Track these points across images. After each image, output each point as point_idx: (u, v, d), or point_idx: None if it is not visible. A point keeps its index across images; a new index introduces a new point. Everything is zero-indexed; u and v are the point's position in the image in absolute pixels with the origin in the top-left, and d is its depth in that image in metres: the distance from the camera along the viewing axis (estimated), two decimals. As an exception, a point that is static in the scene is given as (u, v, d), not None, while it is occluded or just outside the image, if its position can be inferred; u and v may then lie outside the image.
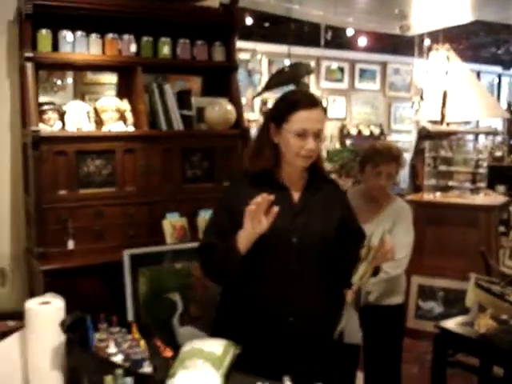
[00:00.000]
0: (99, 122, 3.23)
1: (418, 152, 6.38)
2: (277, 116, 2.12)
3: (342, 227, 2.18)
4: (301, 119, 2.06)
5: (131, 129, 3.23)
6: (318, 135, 2.08)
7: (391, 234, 2.90)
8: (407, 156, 7.93)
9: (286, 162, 2.14)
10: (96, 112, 3.23)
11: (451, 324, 2.93)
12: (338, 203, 2.25)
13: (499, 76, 12.05)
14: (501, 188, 8.13)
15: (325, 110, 2.16)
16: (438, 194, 5.37)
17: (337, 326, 2.02)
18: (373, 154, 2.99)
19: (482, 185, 5.52)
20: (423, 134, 6.46)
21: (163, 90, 3.33)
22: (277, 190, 2.08)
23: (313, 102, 2.09)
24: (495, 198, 5.79)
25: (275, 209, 1.92)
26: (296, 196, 2.16)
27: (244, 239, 2.00)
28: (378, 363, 3.13)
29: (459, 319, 2.97)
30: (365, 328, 2.91)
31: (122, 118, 3.25)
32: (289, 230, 2.07)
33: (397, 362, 3.17)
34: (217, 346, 1.95)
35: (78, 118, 3.15)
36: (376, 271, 2.13)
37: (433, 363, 2.95)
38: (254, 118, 7.66)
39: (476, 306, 2.95)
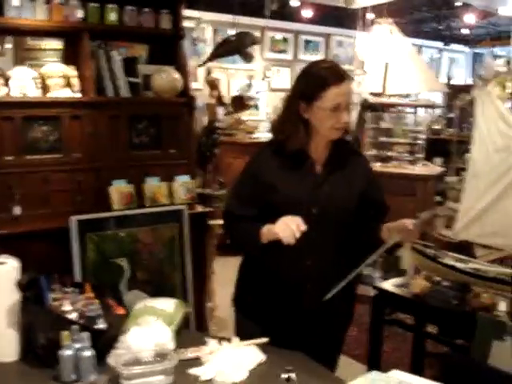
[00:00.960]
0: (45, 89, 3.20)
1: (360, 123, 6.54)
2: (306, 94, 2.11)
3: (364, 199, 2.21)
4: (333, 95, 2.05)
5: (78, 95, 3.22)
6: (350, 107, 2.11)
7: None
8: (349, 127, 8.05)
9: (317, 135, 2.15)
10: (42, 78, 3.20)
11: (388, 285, 3.09)
12: (362, 175, 2.26)
13: (440, 51, 12.33)
14: (438, 160, 8.41)
15: (352, 80, 2.18)
16: (379, 164, 5.56)
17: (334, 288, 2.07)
18: None
19: (420, 156, 5.73)
20: (366, 106, 6.62)
21: (110, 57, 3.33)
22: (301, 160, 2.15)
23: (342, 76, 2.08)
24: (432, 168, 6.03)
25: (303, 227, 1.95)
26: (319, 167, 2.18)
27: (267, 236, 2.06)
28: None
29: (395, 281, 3.14)
30: None
31: (68, 84, 3.22)
32: (310, 201, 2.10)
33: None
34: (168, 304, 2.03)
35: (23, 84, 3.12)
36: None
37: (371, 321, 3.12)
38: (197, 87, 7.64)
39: (412, 269, 3.11)
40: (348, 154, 2.25)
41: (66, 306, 1.85)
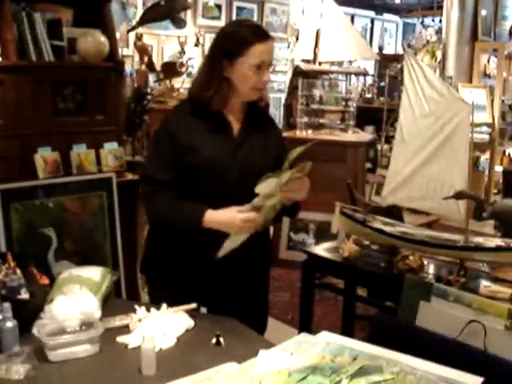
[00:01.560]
0: (-37, 53, 3.05)
1: (293, 90, 6.54)
2: (230, 51, 2.07)
3: (276, 164, 2.14)
4: (258, 52, 2.05)
5: (-2, 59, 3.08)
6: (270, 67, 2.12)
7: None
8: (283, 96, 8.08)
9: (236, 96, 2.14)
10: (-41, 41, 3.04)
11: (318, 250, 3.12)
12: (275, 140, 2.27)
13: (372, 20, 12.47)
14: (370, 128, 8.57)
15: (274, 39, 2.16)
16: (310, 131, 5.58)
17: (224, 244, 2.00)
18: None
19: (351, 123, 5.79)
20: (298, 72, 6.64)
21: (32, 19, 3.18)
22: (219, 122, 2.13)
23: (266, 34, 2.10)
24: (363, 135, 6.11)
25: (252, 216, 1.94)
26: (236, 129, 2.17)
27: (214, 224, 2.01)
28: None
29: (326, 245, 3.17)
30: None
31: (-12, 48, 3.08)
32: (228, 165, 2.09)
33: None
34: (94, 272, 1.99)
35: None
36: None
37: (301, 285, 3.15)
38: (128, 53, 7.46)
39: (343, 233, 3.15)
40: (261, 119, 2.26)
41: (-14, 277, 1.79)
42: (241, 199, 2.03)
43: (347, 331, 3.26)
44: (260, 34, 2.08)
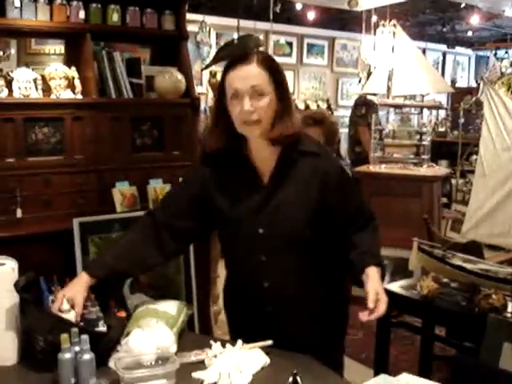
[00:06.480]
0: (47, 90, 3.17)
1: (358, 119, 6.50)
2: (219, 85, 1.88)
3: (328, 211, 1.89)
4: (230, 81, 1.79)
5: (79, 97, 3.18)
6: (258, 93, 1.77)
7: None
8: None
9: (249, 139, 1.89)
10: (43, 79, 3.16)
11: (395, 287, 3.03)
12: (319, 180, 1.86)
13: (444, 54, 12.29)
14: (444, 162, 8.38)
15: (266, 61, 1.83)
16: (384, 165, 5.50)
17: None
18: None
19: (426, 157, 5.68)
20: (360, 102, 6.62)
21: (112, 58, 3.30)
22: (244, 170, 1.92)
23: (241, 58, 1.80)
24: (438, 170, 5.98)
25: None
26: (266, 176, 1.90)
27: None
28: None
29: (403, 282, 3.08)
30: None
31: (70, 85, 3.19)
32: (254, 221, 1.89)
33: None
34: (170, 306, 1.99)
35: (25, 85, 3.09)
36: None
37: (377, 324, 3.06)
38: (202, 91, 7.62)
39: (419, 270, 3.06)
40: (300, 156, 1.88)
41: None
42: (272, 252, 1.92)
43: (424, 371, 3.14)
44: (234, 60, 1.81)
